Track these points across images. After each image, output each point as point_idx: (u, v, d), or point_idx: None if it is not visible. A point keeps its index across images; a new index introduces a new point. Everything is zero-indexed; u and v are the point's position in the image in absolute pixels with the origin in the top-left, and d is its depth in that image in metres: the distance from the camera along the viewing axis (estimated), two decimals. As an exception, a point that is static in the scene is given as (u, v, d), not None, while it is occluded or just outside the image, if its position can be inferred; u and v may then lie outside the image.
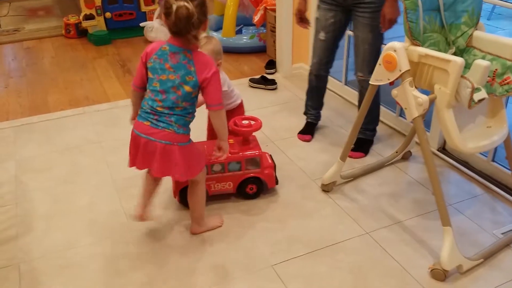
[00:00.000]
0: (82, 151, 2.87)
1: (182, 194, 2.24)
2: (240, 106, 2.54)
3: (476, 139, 1.91)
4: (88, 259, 2.06)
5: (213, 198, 2.33)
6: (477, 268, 1.95)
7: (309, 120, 3.01)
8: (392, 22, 2.29)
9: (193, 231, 2.16)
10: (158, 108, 1.85)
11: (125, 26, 4.93)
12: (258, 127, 2.31)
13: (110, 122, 3.21)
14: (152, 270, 1.98)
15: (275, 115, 3.26)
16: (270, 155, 2.44)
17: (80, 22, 4.80)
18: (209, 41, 2.27)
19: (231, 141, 2.21)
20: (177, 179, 2.12)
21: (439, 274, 1.88)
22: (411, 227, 2.18)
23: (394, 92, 1.95)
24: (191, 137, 1.95)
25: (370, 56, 2.51)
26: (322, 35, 2.65)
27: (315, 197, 2.41)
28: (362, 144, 2.76)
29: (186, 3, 1.72)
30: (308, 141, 2.91)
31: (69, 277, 1.96)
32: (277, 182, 2.39)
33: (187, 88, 1.82)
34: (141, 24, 4.67)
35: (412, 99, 1.86)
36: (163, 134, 1.84)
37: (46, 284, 1.93)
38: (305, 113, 3.03)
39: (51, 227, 2.25)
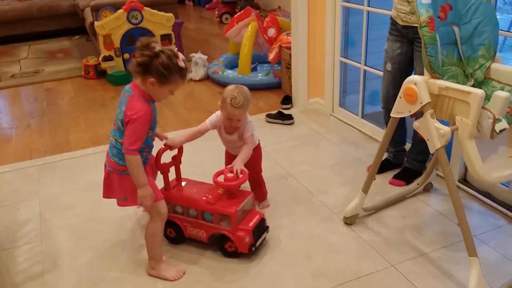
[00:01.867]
0: (104, 188, 2.91)
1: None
2: (258, 146, 2.56)
3: (499, 169, 1.92)
4: (113, 295, 2.07)
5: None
6: (506, 299, 1.92)
7: (387, 158, 2.93)
8: None
9: (146, 271, 2.18)
10: (111, 138, 2.08)
11: (142, 66, 5.06)
12: (242, 181, 2.17)
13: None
14: (179, 306, 1.98)
15: (293, 150, 3.29)
16: (263, 218, 2.26)
17: (99, 64, 4.95)
18: (243, 91, 2.27)
19: (220, 190, 2.21)
20: (119, 204, 2.15)
21: (468, 306, 1.86)
22: (436, 259, 2.17)
23: (416, 124, 1.98)
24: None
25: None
26: (389, 66, 2.67)
27: (338, 231, 2.41)
28: (407, 173, 2.78)
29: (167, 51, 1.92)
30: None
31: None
32: (250, 249, 2.16)
33: (119, 123, 1.98)
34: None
35: (434, 130, 1.89)
36: (110, 161, 2.08)
37: (73, 321, 1.94)
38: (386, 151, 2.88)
39: (77, 264, 2.27)
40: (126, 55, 4.89)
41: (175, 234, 2.30)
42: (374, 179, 2.34)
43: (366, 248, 2.27)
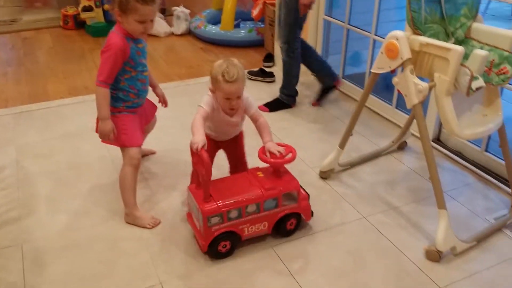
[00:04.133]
0: (83, 138, 2.90)
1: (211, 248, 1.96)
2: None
3: (472, 126, 1.97)
4: (90, 240, 2.09)
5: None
6: (470, 250, 2.01)
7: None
8: (307, 6, 2.88)
9: (124, 218, 2.20)
10: None
11: (123, 19, 4.94)
12: (294, 156, 1.99)
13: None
14: (155, 252, 2.02)
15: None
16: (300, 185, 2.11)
17: (79, 14, 4.82)
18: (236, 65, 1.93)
19: (260, 173, 2.02)
20: (102, 141, 2.17)
21: (433, 255, 1.94)
22: (406, 213, 2.25)
23: (395, 79, 2.01)
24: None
25: (282, 27, 3.05)
26: None
27: (314, 184, 2.47)
28: (275, 103, 3.25)
29: None
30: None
31: (71, 257, 2.00)
32: (312, 214, 2.13)
33: None
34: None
35: (413, 86, 1.92)
36: None
37: (49, 263, 1.96)
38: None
39: (53, 210, 2.28)
40: (106, 6, 4.76)
41: (229, 247, 1.96)
42: (351, 135, 2.38)
43: (340, 201, 2.33)
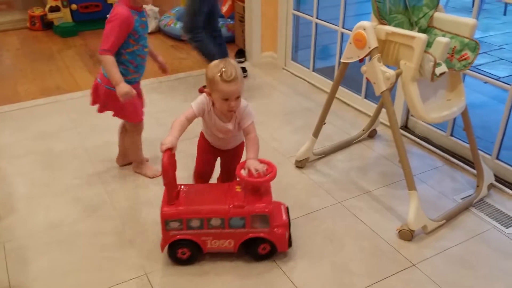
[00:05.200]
0: (58, 137, 2.89)
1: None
2: (242, 143, 2.12)
3: (437, 110, 2.08)
4: (73, 236, 2.11)
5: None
6: (440, 228, 2.13)
7: None
8: None
9: (132, 168, 2.54)
10: None
11: (91, 18, 4.91)
12: (273, 176, 1.85)
13: (84, 110, 3.22)
14: (139, 245, 2.06)
15: (247, 100, 3.36)
16: (287, 208, 2.00)
17: (46, 14, 4.77)
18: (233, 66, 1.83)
19: (238, 188, 1.89)
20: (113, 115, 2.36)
21: (406, 235, 2.05)
22: (379, 196, 2.35)
23: (364, 68, 2.10)
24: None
25: (185, 16, 3.23)
26: None
27: (290, 173, 2.54)
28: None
29: None
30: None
31: (55, 254, 2.01)
32: (290, 244, 1.94)
33: None
34: (108, 16, 4.68)
35: (380, 74, 2.02)
36: (100, 73, 2.25)
37: (33, 260, 1.98)
38: None
39: (33, 208, 2.28)
40: (74, 6, 4.73)
41: (189, 254, 1.90)
42: (324, 123, 2.47)
43: (316, 188, 2.42)
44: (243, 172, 1.85)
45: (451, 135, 2.68)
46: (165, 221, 1.83)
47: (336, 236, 2.10)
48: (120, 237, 2.10)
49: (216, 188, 1.99)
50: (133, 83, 2.26)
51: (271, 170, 1.86)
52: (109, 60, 2.11)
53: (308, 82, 3.63)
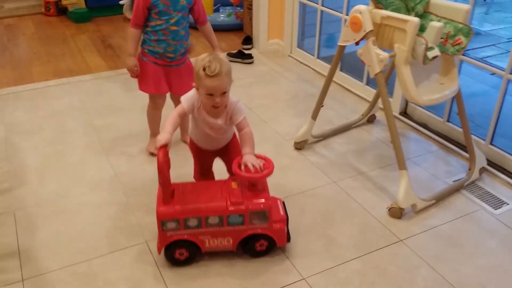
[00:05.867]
0: (68, 116, 3.02)
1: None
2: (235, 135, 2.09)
3: (430, 93, 2.15)
4: (80, 206, 2.23)
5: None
6: (430, 208, 2.20)
7: None
8: None
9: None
10: None
11: (104, 4, 5.04)
12: (270, 171, 1.81)
13: (94, 91, 3.36)
14: (140, 216, 2.17)
15: (251, 86, 3.47)
16: (283, 202, 1.98)
17: (60, 0, 4.90)
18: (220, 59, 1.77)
19: (234, 184, 1.86)
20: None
21: (396, 212, 2.13)
22: (373, 177, 2.43)
23: (359, 51, 2.18)
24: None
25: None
26: None
27: (289, 154, 2.64)
28: None
29: None
30: None
31: (62, 222, 2.14)
32: (289, 239, 1.94)
33: None
34: (121, 2, 4.78)
35: (375, 56, 2.09)
36: None
37: (41, 227, 2.10)
38: None
39: (43, 180, 2.41)
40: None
41: (187, 255, 1.86)
42: (322, 106, 2.55)
43: (312, 168, 2.51)
44: (240, 168, 1.81)
45: (448, 121, 2.74)
46: (162, 221, 1.77)
47: (329, 212, 2.19)
48: (124, 208, 2.21)
49: (211, 185, 1.93)
50: (158, 56, 2.36)
51: (268, 166, 1.82)
52: (130, 32, 2.34)
53: (313, 69, 3.70)
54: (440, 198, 2.24)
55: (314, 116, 2.58)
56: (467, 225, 2.11)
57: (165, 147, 1.73)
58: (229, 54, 3.86)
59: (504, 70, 2.38)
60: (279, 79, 3.60)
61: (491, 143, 2.53)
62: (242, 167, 1.81)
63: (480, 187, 2.35)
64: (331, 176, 2.44)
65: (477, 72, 3.60)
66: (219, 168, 2.12)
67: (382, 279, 1.84)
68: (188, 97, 1.86)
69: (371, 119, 2.93)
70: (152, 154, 2.58)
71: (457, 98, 2.30)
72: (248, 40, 4.12)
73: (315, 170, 2.49)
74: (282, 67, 3.78)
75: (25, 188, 2.35)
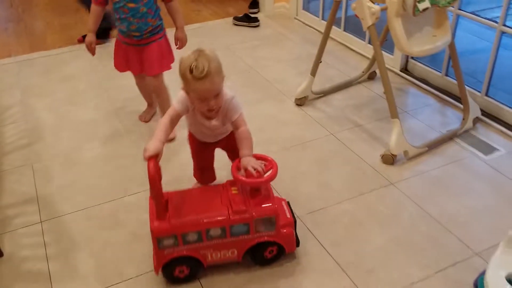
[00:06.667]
0: (80, 79, 3.17)
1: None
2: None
3: (421, 44, 2.22)
4: (93, 158, 2.40)
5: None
6: (422, 155, 2.30)
7: None
8: None
9: None
10: None
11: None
12: (274, 174, 1.63)
13: (104, 57, 3.49)
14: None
15: (256, 48, 3.56)
16: (288, 202, 1.81)
17: (72, -29, 5.00)
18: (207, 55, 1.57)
19: (234, 190, 1.68)
20: None
21: (388, 159, 2.23)
22: (369, 129, 2.53)
23: (353, 5, 2.25)
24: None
25: None
26: None
27: (290, 110, 2.75)
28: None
29: None
30: None
31: (76, 172, 2.30)
32: (298, 243, 1.75)
33: None
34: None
35: (367, 9, 2.17)
36: None
37: (56, 177, 2.27)
38: None
39: (59, 137, 2.58)
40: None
41: (188, 272, 1.68)
42: (320, 62, 2.64)
43: (312, 122, 2.62)
44: (240, 173, 1.64)
45: (446, 75, 2.80)
46: (158, 239, 1.58)
47: (324, 161, 2.30)
48: (133, 160, 2.36)
49: (208, 191, 1.75)
50: (125, 35, 2.32)
51: (271, 167, 1.64)
52: (91, 8, 2.30)
53: (318, 30, 3.76)
54: (432, 146, 2.34)
55: (313, 72, 2.68)
56: (456, 170, 2.21)
57: (155, 157, 1.54)
58: (235, 18, 3.94)
59: (497, 23, 2.43)
60: (284, 41, 3.68)
61: (486, 95, 2.59)
62: (242, 171, 1.63)
63: (473, 135, 2.44)
64: (329, 128, 2.55)
65: (482, 30, 3.63)
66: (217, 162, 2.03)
67: (371, 217, 1.96)
68: (181, 99, 1.66)
69: (371, 76, 3.01)
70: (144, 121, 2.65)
71: (451, 50, 2.36)
72: (254, 4, 4.19)
73: (314, 124, 2.60)
74: (288, 30, 3.85)
75: (41, 144, 2.52)
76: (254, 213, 1.61)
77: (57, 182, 2.23)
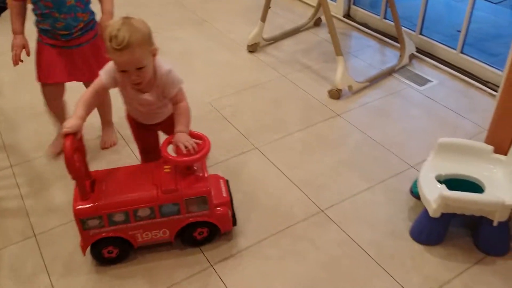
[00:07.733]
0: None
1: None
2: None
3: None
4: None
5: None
6: (365, 89, 2.54)
7: None
8: None
9: None
10: None
11: None
12: (206, 152, 1.56)
13: None
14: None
15: (208, 1, 3.66)
16: (226, 181, 1.77)
17: None
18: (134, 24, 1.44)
19: (167, 168, 1.60)
20: None
21: (334, 94, 2.45)
22: (318, 70, 2.73)
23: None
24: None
25: None
26: None
27: (243, 57, 2.90)
28: None
29: None
30: None
31: (40, 123, 2.38)
32: (235, 223, 1.72)
33: None
34: None
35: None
36: None
37: (21, 126, 2.36)
38: None
39: (19, 92, 2.63)
40: None
41: (117, 251, 1.63)
42: (269, 7, 2.79)
43: (264, 66, 2.79)
44: (170, 149, 1.57)
45: (384, 18, 3.03)
46: (81, 220, 1.52)
47: (278, 100, 2.50)
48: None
49: (140, 170, 1.66)
50: (50, 35, 1.90)
51: (203, 146, 1.57)
52: (9, 5, 1.89)
53: None
54: (373, 80, 2.58)
55: (263, 18, 2.83)
56: (395, 100, 2.46)
57: (72, 136, 1.44)
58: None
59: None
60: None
61: (420, 33, 2.84)
62: (173, 147, 1.57)
63: (409, 70, 2.69)
64: (280, 71, 2.73)
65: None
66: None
67: (321, 143, 2.18)
68: (107, 69, 1.54)
69: (317, 22, 3.19)
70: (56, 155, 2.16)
71: (388, -8, 2.57)
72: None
73: (266, 68, 2.78)
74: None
75: (2, 99, 2.58)
76: (184, 193, 1.55)
77: (23, 132, 2.32)
